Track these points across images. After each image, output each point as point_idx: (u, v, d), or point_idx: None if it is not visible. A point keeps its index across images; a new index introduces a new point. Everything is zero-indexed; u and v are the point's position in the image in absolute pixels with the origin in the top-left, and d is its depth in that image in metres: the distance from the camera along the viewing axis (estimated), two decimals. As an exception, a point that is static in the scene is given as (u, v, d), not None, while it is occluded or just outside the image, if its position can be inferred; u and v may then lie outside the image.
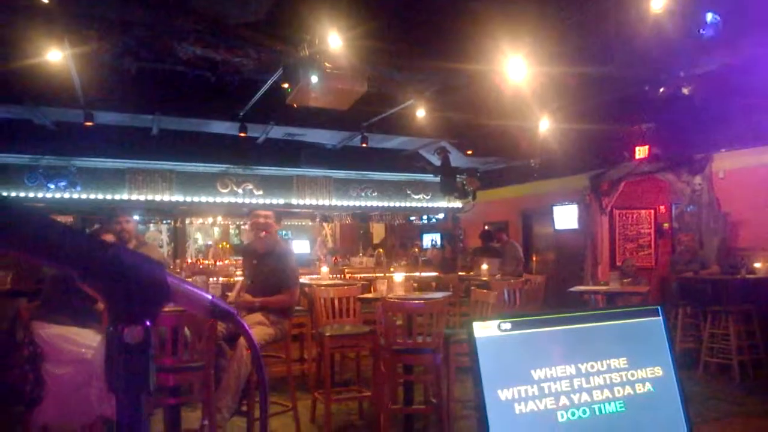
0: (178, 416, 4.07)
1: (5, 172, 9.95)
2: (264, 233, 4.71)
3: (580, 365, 1.35)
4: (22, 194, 9.95)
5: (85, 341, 3.64)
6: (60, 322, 3.67)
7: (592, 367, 1.36)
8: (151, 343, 0.68)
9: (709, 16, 5.22)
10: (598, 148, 9.55)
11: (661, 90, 7.34)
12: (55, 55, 5.92)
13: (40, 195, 10.08)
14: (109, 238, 4.62)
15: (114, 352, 0.66)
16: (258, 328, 4.39)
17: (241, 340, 4.22)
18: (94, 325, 3.78)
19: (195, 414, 4.47)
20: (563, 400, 1.30)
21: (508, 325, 1.31)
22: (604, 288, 7.15)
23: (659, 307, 1.51)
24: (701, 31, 5.21)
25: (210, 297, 0.74)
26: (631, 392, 1.38)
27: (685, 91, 7.09)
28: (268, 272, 4.67)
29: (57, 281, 3.87)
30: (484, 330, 1.29)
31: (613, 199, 10.26)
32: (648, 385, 1.40)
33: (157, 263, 0.69)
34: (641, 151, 9.19)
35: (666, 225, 10.34)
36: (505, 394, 1.25)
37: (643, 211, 10.64)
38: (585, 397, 1.32)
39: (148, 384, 0.68)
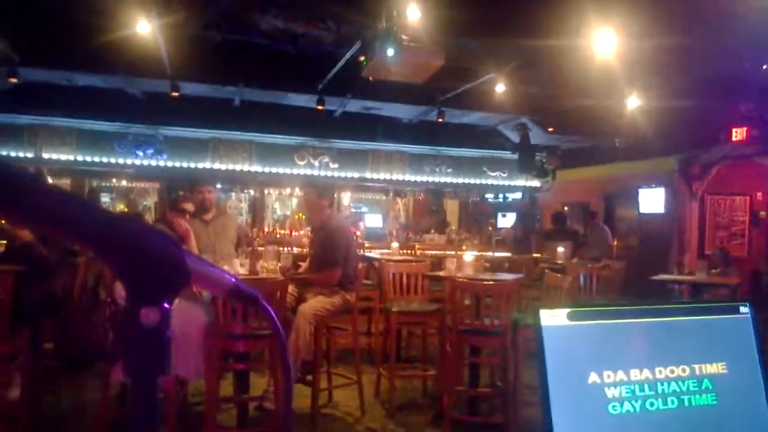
0: (246, 381, 4.20)
1: (98, 138, 10.52)
2: (309, 210, 4.92)
3: (657, 363, 1.24)
4: (112, 160, 10.52)
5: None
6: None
7: (670, 370, 1.25)
8: (169, 325, 0.65)
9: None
10: (691, 129, 8.93)
11: (764, 67, 6.78)
12: (144, 27, 6.12)
13: (129, 161, 10.61)
14: (190, 207, 4.79)
15: (130, 333, 0.64)
16: (318, 298, 4.45)
17: (300, 309, 4.27)
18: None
19: (263, 380, 4.59)
20: (635, 399, 1.20)
21: (578, 315, 1.22)
22: (689, 278, 6.76)
23: (748, 302, 1.37)
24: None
25: (233, 280, 0.71)
26: (712, 396, 1.26)
27: (791, 70, 6.51)
28: (318, 247, 4.75)
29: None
30: (552, 318, 1.21)
31: (705, 184, 9.65)
32: (729, 390, 1.28)
33: (175, 242, 0.66)
34: (739, 133, 8.53)
35: (762, 213, 9.65)
36: (571, 389, 1.17)
37: (737, 198, 9.97)
38: (658, 397, 1.22)
39: (165, 368, 0.66)
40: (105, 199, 12.24)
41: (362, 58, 6.39)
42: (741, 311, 1.34)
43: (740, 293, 6.59)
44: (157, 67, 7.65)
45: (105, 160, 10.50)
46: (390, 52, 5.52)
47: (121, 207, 12.36)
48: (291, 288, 4.33)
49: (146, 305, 0.63)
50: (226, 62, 7.71)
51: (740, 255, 9.48)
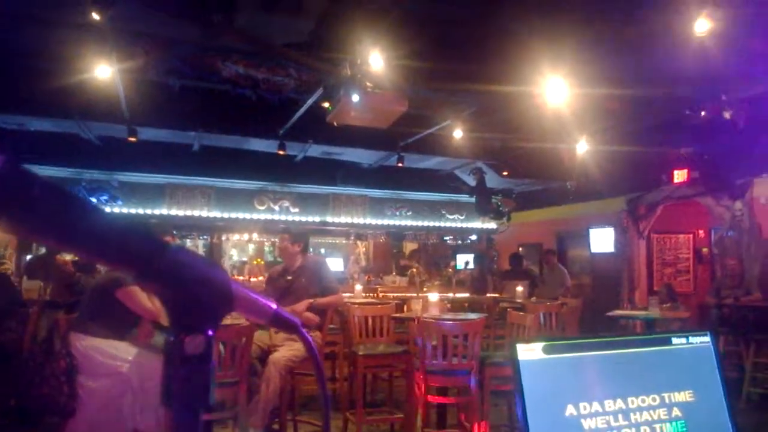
0: None
1: (49, 185, 10.19)
2: (284, 255, 4.94)
3: (629, 393, 1.30)
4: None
5: (120, 354, 3.66)
6: (97, 334, 3.69)
7: (642, 399, 1.31)
8: (212, 354, 0.64)
9: None
10: (636, 171, 9.38)
11: (702, 113, 7.19)
12: (104, 71, 6.06)
13: (81, 208, 10.29)
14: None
15: (173, 363, 0.63)
16: (287, 344, 4.37)
17: (271, 359, 4.20)
18: (130, 338, 3.80)
19: (226, 431, 4.47)
20: (610, 430, 1.26)
21: (553, 348, 1.27)
22: (643, 313, 6.99)
23: (709, 332, 1.45)
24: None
25: (273, 306, 0.72)
26: (681, 424, 1.33)
27: (727, 114, 6.91)
28: (305, 284, 4.72)
29: (96, 293, 3.92)
30: (528, 352, 1.26)
31: (651, 223, 10.06)
32: (698, 416, 1.34)
33: (221, 268, 0.67)
34: (680, 175, 9.00)
35: (705, 250, 10.10)
36: (549, 422, 1.21)
37: (681, 236, 10.44)
38: (631, 427, 1.28)
39: (208, 398, 0.65)
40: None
41: (326, 104, 6.49)
42: (703, 340, 1.42)
43: (689, 326, 6.84)
44: (114, 111, 7.53)
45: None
46: (354, 98, 5.63)
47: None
48: (256, 336, 4.27)
49: (190, 332, 0.63)
50: (185, 107, 7.64)
51: (687, 290, 9.88)
